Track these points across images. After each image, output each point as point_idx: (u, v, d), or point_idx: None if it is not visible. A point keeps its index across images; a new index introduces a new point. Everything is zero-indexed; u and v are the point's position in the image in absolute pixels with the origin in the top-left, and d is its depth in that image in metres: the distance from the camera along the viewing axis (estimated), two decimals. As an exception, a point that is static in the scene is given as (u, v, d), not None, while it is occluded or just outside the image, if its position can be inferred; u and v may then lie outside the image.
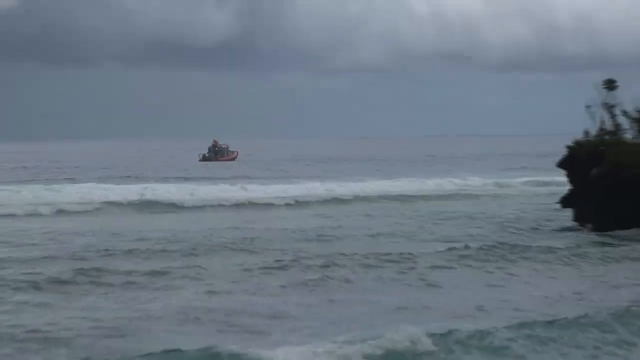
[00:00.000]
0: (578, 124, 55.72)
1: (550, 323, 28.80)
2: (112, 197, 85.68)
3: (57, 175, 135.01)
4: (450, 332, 26.20)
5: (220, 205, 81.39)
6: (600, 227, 51.11)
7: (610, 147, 53.39)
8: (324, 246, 49.26)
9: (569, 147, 55.65)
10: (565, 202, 56.09)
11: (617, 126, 54.52)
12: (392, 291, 36.34)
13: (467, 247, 44.87)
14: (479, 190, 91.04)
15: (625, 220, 49.39)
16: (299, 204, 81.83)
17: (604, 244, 46.69)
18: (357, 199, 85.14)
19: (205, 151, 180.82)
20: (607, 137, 54.50)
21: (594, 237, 49.92)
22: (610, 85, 54.82)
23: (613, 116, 54.60)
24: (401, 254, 43.44)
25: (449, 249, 44.82)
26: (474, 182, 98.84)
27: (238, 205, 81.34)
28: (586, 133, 55.15)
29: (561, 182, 59.19)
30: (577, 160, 54.53)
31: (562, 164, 56.14)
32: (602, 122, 54.81)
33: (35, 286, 38.84)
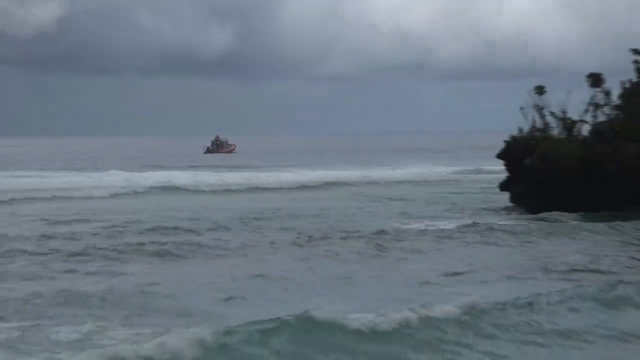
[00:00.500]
0: (513, 122, 56.04)
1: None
2: (153, 183, 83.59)
3: (91, 164, 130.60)
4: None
5: (240, 190, 79.37)
6: (532, 207, 51.32)
7: (540, 141, 53.80)
8: (349, 223, 48.85)
9: (506, 141, 56.12)
10: (503, 186, 56.81)
11: (546, 124, 54.70)
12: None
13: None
14: (435, 177, 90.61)
15: (553, 202, 49.55)
16: (302, 187, 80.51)
17: (537, 221, 46.88)
18: (345, 183, 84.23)
19: (209, 144, 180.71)
20: (537, 133, 54.83)
21: (527, 215, 50.08)
22: (540, 90, 55.10)
23: (542, 116, 54.78)
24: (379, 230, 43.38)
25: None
26: (430, 170, 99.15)
27: (254, 189, 79.53)
28: (520, 130, 55.56)
29: (499, 170, 59.36)
30: (513, 152, 55.04)
31: (500, 155, 56.55)
32: (533, 121, 55.04)
33: (159, 254, 38.00)
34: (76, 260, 36.70)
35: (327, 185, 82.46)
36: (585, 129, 53.81)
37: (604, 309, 24.17)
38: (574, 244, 38.88)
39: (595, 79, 54.11)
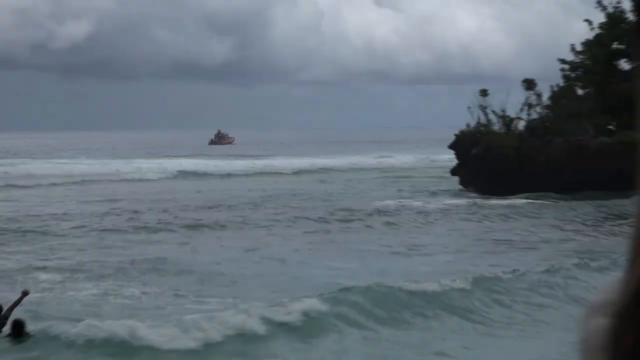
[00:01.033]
0: (462, 119, 55.78)
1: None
2: (179, 168, 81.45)
3: (122, 154, 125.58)
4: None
5: (244, 175, 77.57)
6: (478, 189, 51.52)
7: (484, 135, 53.82)
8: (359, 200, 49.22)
9: (456, 135, 55.98)
10: (454, 172, 56.69)
11: (488, 121, 54.69)
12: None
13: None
14: (399, 164, 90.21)
15: (495, 185, 49.60)
16: (300, 172, 79.19)
17: (480, 202, 46.96)
18: (329, 169, 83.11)
19: (213, 137, 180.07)
20: (481, 128, 54.75)
21: (474, 195, 50.15)
22: (483, 93, 55.02)
23: (485, 114, 54.72)
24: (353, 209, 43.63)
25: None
26: (394, 158, 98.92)
27: (259, 173, 78.29)
28: (468, 126, 55.43)
29: (449, 158, 59.19)
30: (462, 144, 54.92)
31: (451, 146, 56.45)
32: (478, 118, 54.98)
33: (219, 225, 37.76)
34: (153, 232, 36.15)
35: (318, 170, 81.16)
36: (521, 125, 53.85)
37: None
38: (514, 222, 39.22)
39: (529, 84, 54.22)
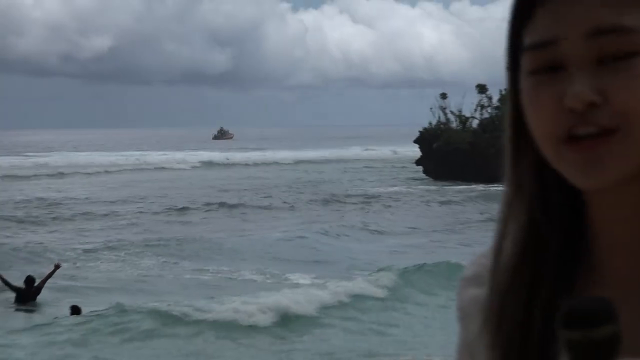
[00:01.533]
0: (425, 119, 55.85)
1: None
2: (198, 159, 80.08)
3: (148, 147, 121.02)
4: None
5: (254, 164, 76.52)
6: (438, 177, 51.64)
7: (444, 131, 53.83)
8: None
9: (420, 131, 55.90)
10: (418, 162, 56.69)
11: (447, 120, 54.82)
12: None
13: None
14: (372, 156, 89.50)
15: (453, 174, 49.86)
16: (298, 162, 78.33)
17: (437, 187, 47.35)
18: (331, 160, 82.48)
19: (216, 133, 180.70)
20: (441, 126, 54.74)
21: (435, 182, 50.42)
22: (443, 96, 55.25)
23: (445, 114, 54.87)
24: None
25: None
26: (369, 151, 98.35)
27: (263, 164, 76.84)
28: (430, 124, 55.37)
29: (414, 151, 59.14)
30: (425, 139, 54.88)
31: (416, 141, 56.38)
32: (439, 117, 55.08)
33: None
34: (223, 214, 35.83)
35: (313, 161, 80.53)
36: (475, 123, 53.92)
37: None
38: (469, 203, 39.36)
39: (482, 88, 54.37)
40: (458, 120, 54.62)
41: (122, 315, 16.38)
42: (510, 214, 1.09)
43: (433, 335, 15.76)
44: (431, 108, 55.22)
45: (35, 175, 61.12)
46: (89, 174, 64.03)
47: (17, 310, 18.85)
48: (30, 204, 40.46)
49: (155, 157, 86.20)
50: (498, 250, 1.09)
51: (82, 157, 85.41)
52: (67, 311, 17.29)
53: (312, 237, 28.46)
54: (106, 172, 65.44)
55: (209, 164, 75.72)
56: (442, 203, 40.34)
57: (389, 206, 39.17)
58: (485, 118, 53.72)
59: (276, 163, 77.95)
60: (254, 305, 16.51)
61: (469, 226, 31.79)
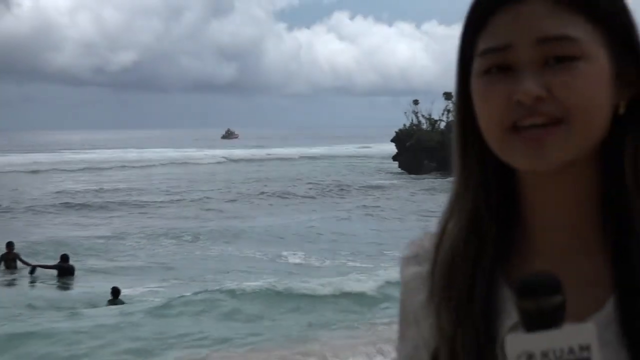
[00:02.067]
0: (400, 121, 55.49)
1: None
2: (222, 155, 77.84)
3: (178, 145, 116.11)
4: None
5: (266, 160, 74.00)
6: (412, 171, 51.18)
7: (416, 132, 53.50)
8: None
9: (396, 132, 55.37)
10: (394, 158, 56.15)
11: (419, 122, 54.59)
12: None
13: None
14: (353, 152, 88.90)
15: (424, 169, 49.63)
16: (302, 158, 76.21)
17: (413, 179, 46.99)
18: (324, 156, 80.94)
19: (224, 134, 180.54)
20: (414, 127, 54.39)
21: (409, 175, 49.99)
22: (415, 102, 55.02)
23: (417, 117, 54.67)
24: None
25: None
26: (360, 149, 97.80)
27: (266, 159, 74.45)
28: (404, 125, 54.94)
29: (391, 148, 58.31)
30: (400, 138, 54.49)
31: (393, 140, 55.79)
32: (412, 120, 54.75)
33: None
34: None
35: (316, 157, 78.34)
36: (442, 125, 53.68)
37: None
38: (438, 193, 39.28)
39: (448, 95, 53.94)
40: (428, 123, 54.38)
41: (233, 295, 15.19)
42: (457, 200, 1.10)
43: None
44: (405, 112, 55.04)
45: (86, 169, 60.60)
46: (133, 167, 63.41)
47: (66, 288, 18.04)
48: (105, 193, 39.37)
49: (182, 153, 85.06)
50: (444, 227, 1.11)
51: (118, 154, 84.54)
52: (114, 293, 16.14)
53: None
54: (146, 166, 64.32)
55: (233, 160, 74.18)
56: (425, 190, 40.24)
57: (389, 194, 39.13)
58: (451, 121, 52.77)
59: (290, 158, 76.46)
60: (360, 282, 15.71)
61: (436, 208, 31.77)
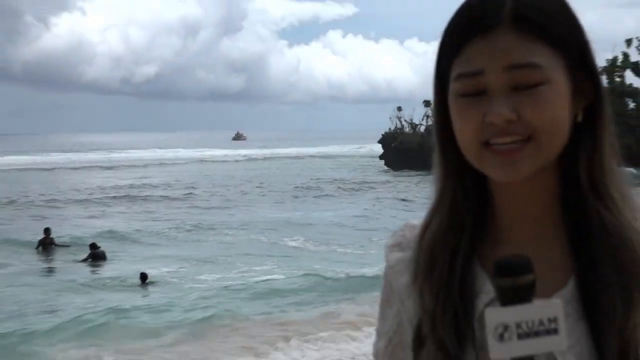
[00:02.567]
0: (386, 125, 55.44)
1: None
2: (243, 154, 76.37)
3: (198, 145, 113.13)
4: None
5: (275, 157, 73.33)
6: (396, 168, 51.01)
7: (399, 134, 53.42)
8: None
9: (382, 135, 55.35)
10: (381, 157, 56.15)
11: (402, 126, 54.52)
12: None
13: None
14: (346, 152, 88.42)
15: (406, 166, 49.49)
16: (306, 157, 75.55)
17: (396, 175, 46.91)
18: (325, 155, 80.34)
19: (234, 135, 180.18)
20: (398, 130, 54.25)
21: (394, 172, 49.88)
22: (399, 109, 54.89)
23: (400, 122, 54.56)
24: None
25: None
26: (349, 149, 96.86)
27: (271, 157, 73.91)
28: (389, 129, 54.80)
29: (378, 148, 58.67)
30: (386, 140, 54.43)
31: (380, 141, 55.82)
32: (396, 124, 54.64)
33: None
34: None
35: (315, 156, 78.43)
36: (422, 129, 53.58)
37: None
38: (419, 186, 39.22)
39: (427, 103, 53.90)
40: (410, 127, 54.23)
41: (308, 278, 14.83)
42: (439, 197, 1.12)
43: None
44: (390, 117, 54.93)
45: (123, 166, 60.01)
46: (164, 164, 63.08)
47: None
48: (148, 188, 38.41)
49: (206, 152, 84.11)
50: (428, 222, 1.12)
51: (151, 153, 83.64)
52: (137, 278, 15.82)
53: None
54: (175, 164, 63.74)
55: (260, 159, 73.10)
56: (416, 184, 40.02)
57: (388, 187, 39.00)
58: (430, 125, 53.32)
59: (303, 156, 75.70)
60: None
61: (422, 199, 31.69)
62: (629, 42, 42.52)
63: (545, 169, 1.04)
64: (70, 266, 17.92)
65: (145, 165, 61.63)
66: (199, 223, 24.63)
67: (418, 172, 46.36)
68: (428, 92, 1.12)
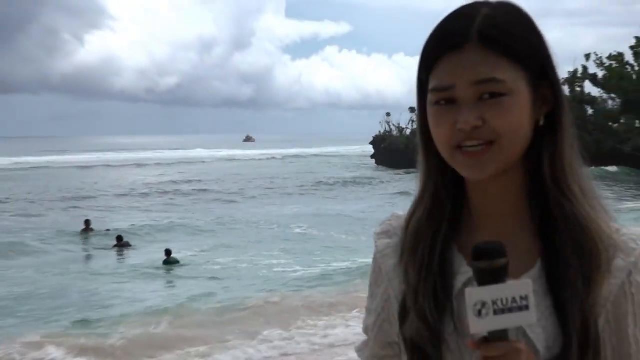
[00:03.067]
0: (376, 129, 55.21)
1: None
2: (258, 154, 73.69)
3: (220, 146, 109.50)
4: None
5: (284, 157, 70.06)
6: (385, 166, 50.91)
7: (388, 137, 53.24)
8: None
9: (373, 137, 55.16)
10: (372, 156, 56.12)
11: (390, 130, 54.30)
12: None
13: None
14: (343, 152, 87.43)
15: (395, 164, 49.41)
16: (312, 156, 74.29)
17: (385, 172, 46.81)
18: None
19: (244, 138, 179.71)
20: (387, 133, 54.05)
21: (384, 169, 49.81)
22: (388, 115, 54.56)
23: (389, 126, 54.37)
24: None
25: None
26: (344, 149, 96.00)
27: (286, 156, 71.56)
28: (379, 132, 54.66)
29: (370, 149, 58.39)
30: (377, 141, 54.31)
31: (371, 142, 55.68)
32: (385, 128, 54.46)
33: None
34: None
35: (315, 155, 77.20)
36: (408, 132, 53.41)
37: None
38: (404, 180, 39.16)
39: (412, 109, 53.62)
40: (397, 130, 54.00)
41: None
42: (423, 191, 1.14)
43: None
44: (380, 122, 54.73)
45: (157, 164, 59.23)
46: (193, 162, 61.76)
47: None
48: (184, 184, 36.96)
49: (222, 152, 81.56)
50: (413, 211, 1.14)
51: (173, 153, 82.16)
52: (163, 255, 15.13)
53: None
54: (203, 162, 62.53)
55: (281, 158, 71.02)
56: (402, 180, 39.70)
57: (378, 182, 38.68)
58: (414, 129, 52.58)
59: (305, 156, 74.03)
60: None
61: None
62: (587, 56, 42.72)
63: (512, 167, 1.06)
64: (103, 253, 17.50)
65: (169, 164, 61.30)
66: (232, 215, 23.74)
67: (405, 170, 46.63)
68: (413, 100, 1.13)
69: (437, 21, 1.06)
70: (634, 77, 40.62)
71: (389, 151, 51.55)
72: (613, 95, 41.61)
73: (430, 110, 1.06)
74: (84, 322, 9.84)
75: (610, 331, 1.03)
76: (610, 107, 41.79)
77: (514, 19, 1.04)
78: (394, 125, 54.26)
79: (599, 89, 42.08)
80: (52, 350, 8.46)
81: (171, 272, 14.55)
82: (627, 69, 40.95)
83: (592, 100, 42.53)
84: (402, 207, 1.18)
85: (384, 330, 1.16)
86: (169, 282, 13.96)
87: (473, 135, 1.01)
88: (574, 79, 41.88)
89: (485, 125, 1.01)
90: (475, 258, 0.94)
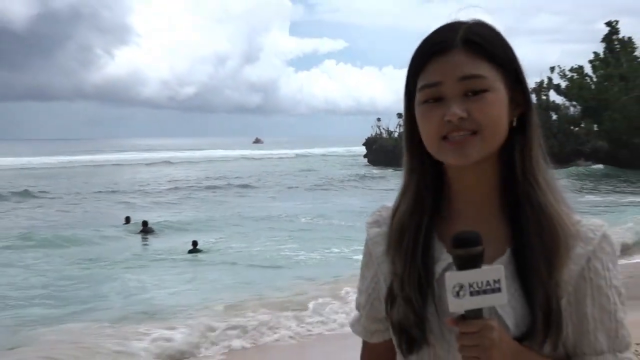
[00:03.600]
0: (368, 132, 54.95)
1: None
2: (271, 153, 71.94)
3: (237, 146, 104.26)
4: None
5: (290, 157, 67.22)
6: (377, 165, 50.69)
7: (379, 138, 53.00)
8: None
9: (366, 139, 54.72)
10: (365, 156, 55.68)
11: (381, 133, 54.04)
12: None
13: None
14: (338, 152, 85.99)
15: (384, 163, 49.20)
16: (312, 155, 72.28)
17: (376, 169, 46.65)
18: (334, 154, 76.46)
19: (254, 140, 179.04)
20: (377, 135, 53.77)
21: (375, 167, 49.60)
22: (379, 120, 54.25)
23: (379, 130, 54.07)
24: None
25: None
26: (342, 150, 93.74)
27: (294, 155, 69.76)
28: (371, 134, 54.34)
29: (363, 149, 57.95)
30: (369, 142, 53.98)
31: (364, 144, 55.24)
32: (376, 131, 54.14)
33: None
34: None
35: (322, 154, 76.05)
36: (396, 134, 53.18)
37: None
38: (393, 177, 39.00)
39: (400, 115, 52.41)
40: (387, 133, 53.69)
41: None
42: (407, 185, 1.14)
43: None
44: (372, 126, 54.44)
45: (186, 163, 57.97)
46: (217, 160, 60.61)
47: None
48: (218, 180, 35.35)
49: (239, 152, 78.59)
50: (398, 205, 1.13)
51: (193, 153, 78.73)
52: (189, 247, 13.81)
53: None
54: (224, 160, 61.23)
55: (296, 157, 69.31)
56: (390, 176, 39.17)
57: (370, 178, 38.12)
58: (401, 132, 51.63)
59: (307, 155, 72.27)
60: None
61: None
62: (552, 69, 43.70)
63: (488, 160, 1.07)
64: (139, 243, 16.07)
65: (190, 162, 60.61)
66: (263, 210, 21.64)
67: (393, 168, 46.48)
68: (400, 107, 1.13)
69: (422, 37, 1.08)
70: (593, 87, 41.53)
71: (380, 151, 51.53)
72: (574, 103, 42.50)
73: (419, 109, 1.07)
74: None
75: (571, 311, 1.04)
76: (571, 113, 42.57)
77: (492, 32, 1.07)
78: (383, 129, 53.98)
79: (562, 97, 42.86)
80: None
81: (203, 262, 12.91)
82: (586, 79, 41.87)
83: (556, 107, 43.16)
84: (391, 200, 1.17)
85: (375, 308, 1.16)
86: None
87: (459, 126, 1.02)
88: (541, 88, 42.37)
89: (469, 118, 1.02)
90: (454, 246, 0.96)
